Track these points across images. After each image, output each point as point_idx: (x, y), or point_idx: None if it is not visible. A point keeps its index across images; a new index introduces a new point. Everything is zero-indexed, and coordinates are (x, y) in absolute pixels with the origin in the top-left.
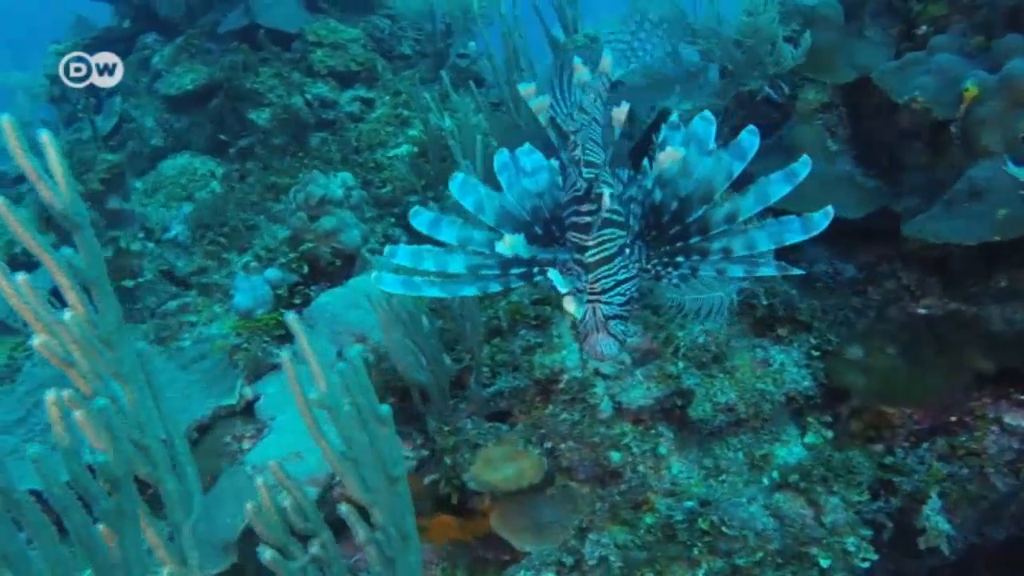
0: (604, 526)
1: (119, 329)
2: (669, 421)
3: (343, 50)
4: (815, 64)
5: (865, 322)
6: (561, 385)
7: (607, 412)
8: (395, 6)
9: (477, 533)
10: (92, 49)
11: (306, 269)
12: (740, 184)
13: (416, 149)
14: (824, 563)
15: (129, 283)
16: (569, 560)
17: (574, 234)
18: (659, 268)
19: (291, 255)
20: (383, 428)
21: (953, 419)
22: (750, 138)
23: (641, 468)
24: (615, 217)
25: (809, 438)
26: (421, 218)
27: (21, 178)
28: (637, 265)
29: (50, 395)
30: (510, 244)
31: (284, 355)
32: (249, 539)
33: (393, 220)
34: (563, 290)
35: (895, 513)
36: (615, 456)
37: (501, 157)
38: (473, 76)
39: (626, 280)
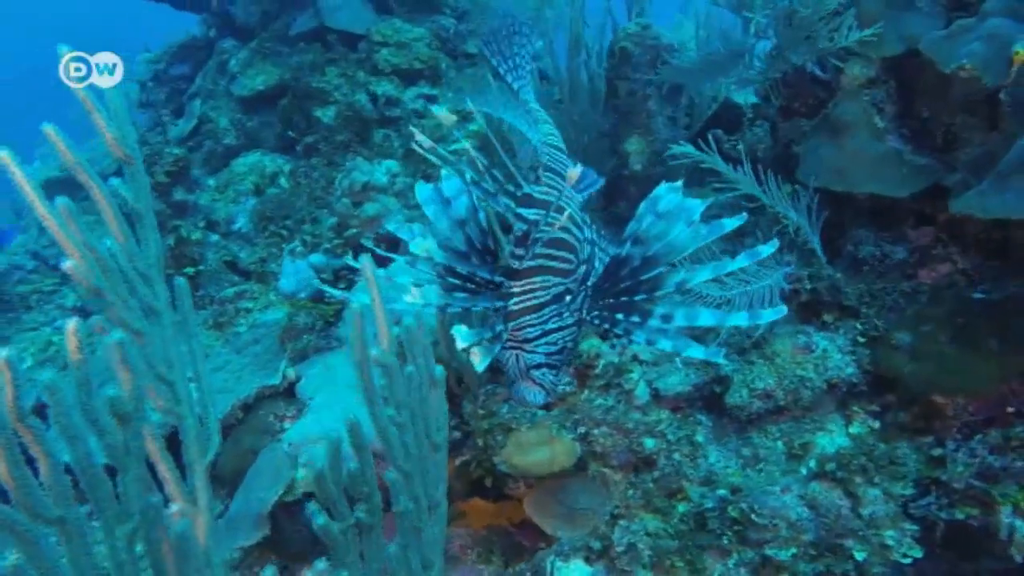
0: (636, 514)
1: (158, 265)
2: (708, 409)
3: (407, 49)
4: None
5: (916, 307)
6: (597, 370)
7: (643, 398)
8: (462, 5)
9: (514, 519)
10: (178, 57)
11: (351, 254)
12: None
13: (476, 143)
14: (859, 556)
15: (190, 270)
16: (598, 546)
17: (503, 279)
18: (596, 320)
19: (336, 240)
20: (435, 391)
21: (1011, 410)
22: (733, 222)
23: (676, 456)
24: (554, 264)
25: (854, 428)
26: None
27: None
28: (577, 314)
29: (70, 324)
30: (424, 247)
31: (355, 302)
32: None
33: None
34: (462, 344)
35: (947, 510)
36: (649, 443)
37: (423, 191)
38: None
39: (558, 329)
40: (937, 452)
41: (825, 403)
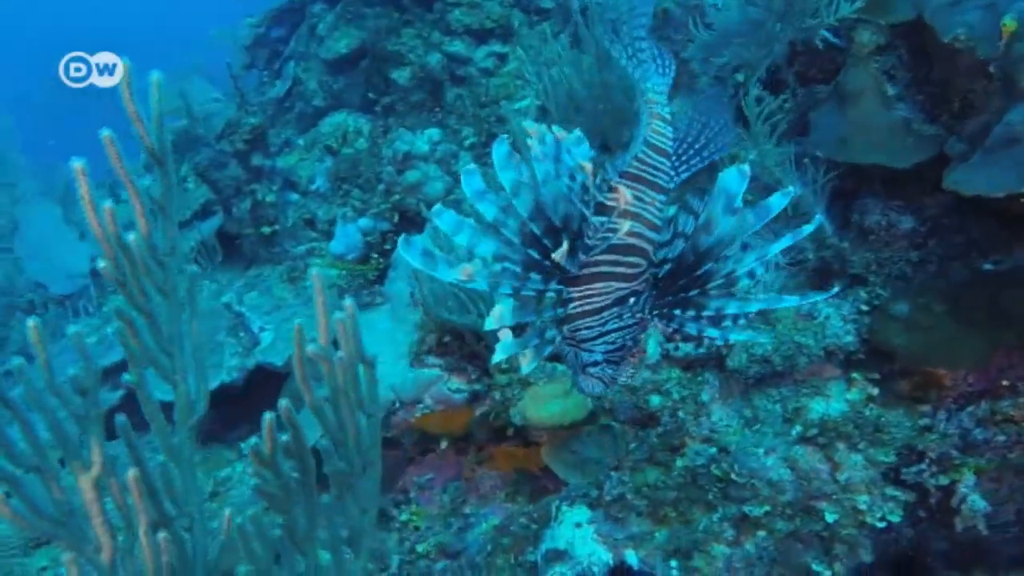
0: (639, 466)
1: (172, 253)
2: (720, 368)
3: (479, 8)
4: (870, 3)
5: (922, 277)
6: None
7: (654, 358)
8: None
9: (540, 464)
10: (276, 21)
11: (397, 218)
12: None
13: (540, 101)
14: (830, 518)
15: (267, 230)
16: (595, 494)
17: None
18: (656, 318)
19: (383, 205)
20: (368, 370)
21: (1005, 383)
22: (780, 200)
23: (681, 414)
24: (618, 270)
25: (852, 395)
26: (473, 180)
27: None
28: (640, 315)
29: (31, 322)
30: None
31: (296, 323)
32: None
33: None
34: (501, 356)
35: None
36: (654, 400)
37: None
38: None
39: (618, 329)
40: (924, 422)
41: (828, 369)
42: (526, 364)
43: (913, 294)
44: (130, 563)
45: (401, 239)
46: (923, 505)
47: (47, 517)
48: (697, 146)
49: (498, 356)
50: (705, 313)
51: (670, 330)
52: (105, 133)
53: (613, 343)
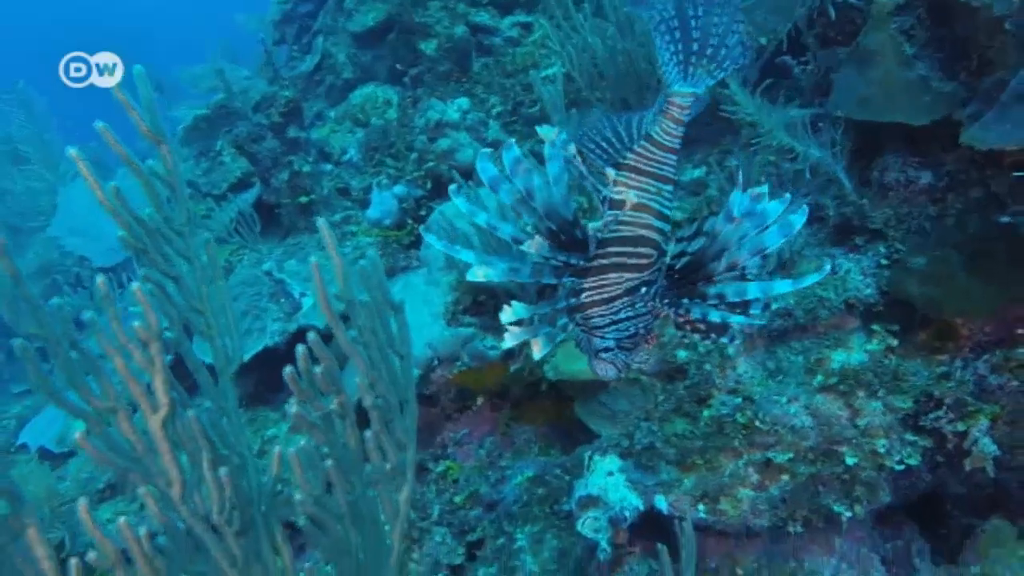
0: (668, 417)
1: (189, 223)
2: None
3: None
4: None
5: (940, 231)
6: None
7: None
8: None
9: (572, 419)
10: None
11: (430, 185)
12: None
13: (566, 69)
14: (851, 461)
15: (304, 199)
16: (625, 443)
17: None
18: (664, 306)
19: (416, 173)
20: (396, 314)
21: (1020, 332)
22: (798, 218)
23: (707, 366)
24: (629, 261)
25: (872, 345)
26: (487, 168)
27: None
28: (651, 304)
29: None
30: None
31: (312, 259)
32: None
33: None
34: (508, 344)
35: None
36: (681, 354)
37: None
38: None
39: (630, 318)
40: (942, 370)
41: (849, 321)
42: (537, 352)
43: (931, 247)
44: (197, 497)
45: (423, 228)
46: (941, 451)
47: (123, 454)
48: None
49: (507, 344)
50: (709, 301)
51: (680, 320)
52: (99, 125)
53: (625, 330)
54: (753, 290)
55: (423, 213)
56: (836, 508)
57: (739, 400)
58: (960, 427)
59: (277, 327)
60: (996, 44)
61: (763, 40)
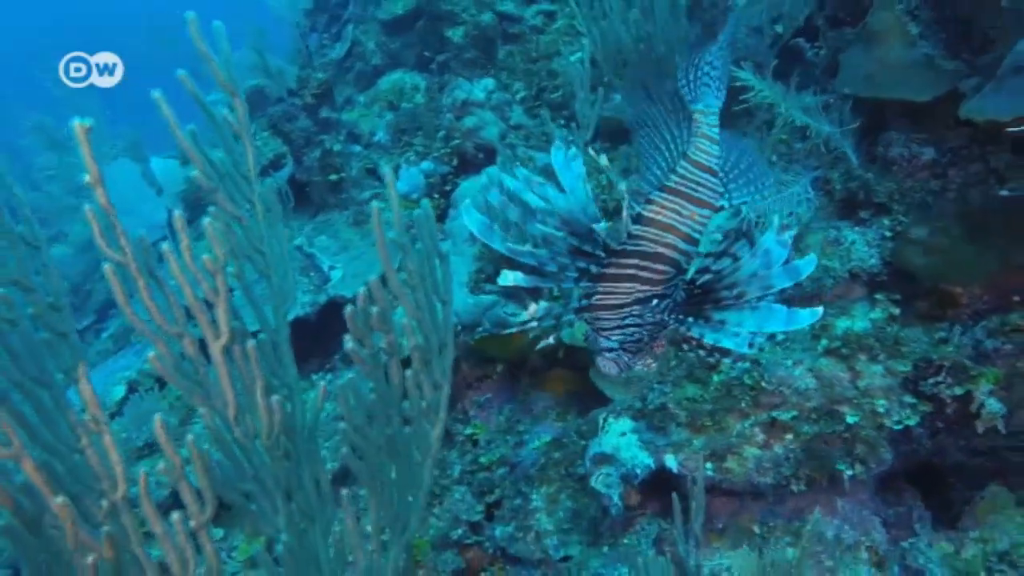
0: (680, 382)
1: (255, 169)
2: None
3: None
4: None
5: (941, 204)
6: None
7: None
8: None
9: (589, 387)
10: None
11: (456, 161)
12: None
13: (591, 53)
14: (851, 420)
15: (334, 177)
16: (638, 405)
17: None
18: (673, 324)
19: (443, 150)
20: (442, 263)
21: (1016, 299)
22: (806, 266)
23: None
24: (643, 275)
25: (875, 314)
26: (474, 219)
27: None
28: (661, 315)
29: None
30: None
31: (374, 204)
32: None
33: (563, 122)
34: (509, 281)
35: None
36: None
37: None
38: None
39: (636, 325)
40: (941, 335)
41: (854, 290)
42: (530, 314)
43: (932, 219)
44: (249, 419)
45: (464, 205)
46: (940, 416)
47: (187, 375)
48: (741, 168)
49: (506, 280)
50: (710, 324)
51: (682, 336)
52: (181, 73)
53: (630, 336)
54: (749, 324)
55: (448, 188)
56: (839, 466)
57: (747, 364)
58: (958, 391)
59: (307, 299)
60: (998, 24)
61: (779, 28)
